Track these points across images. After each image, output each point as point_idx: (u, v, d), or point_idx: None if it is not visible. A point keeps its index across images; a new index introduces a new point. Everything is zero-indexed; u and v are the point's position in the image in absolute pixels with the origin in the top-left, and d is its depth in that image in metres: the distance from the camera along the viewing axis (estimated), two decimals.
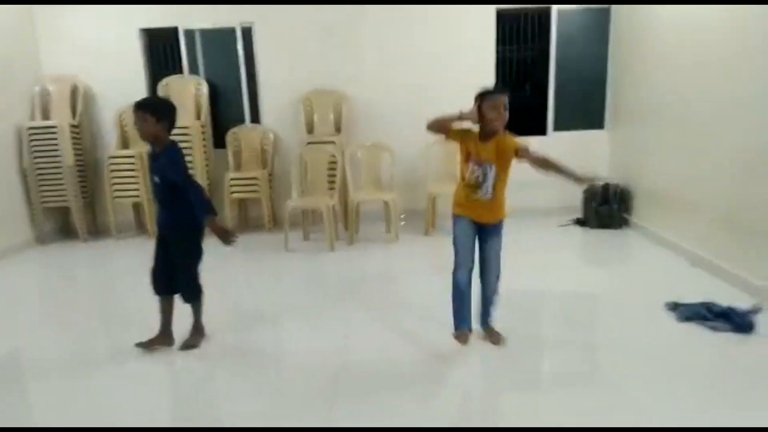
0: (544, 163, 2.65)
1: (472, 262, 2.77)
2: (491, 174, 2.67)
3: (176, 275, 2.92)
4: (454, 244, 2.78)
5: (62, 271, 4.87)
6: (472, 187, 2.71)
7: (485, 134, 2.68)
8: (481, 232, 2.79)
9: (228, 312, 3.59)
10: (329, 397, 2.40)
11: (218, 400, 2.50)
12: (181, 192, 2.78)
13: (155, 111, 2.78)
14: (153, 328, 3.00)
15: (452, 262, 2.76)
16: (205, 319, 3.12)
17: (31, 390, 2.72)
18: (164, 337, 2.99)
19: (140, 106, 2.77)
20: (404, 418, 2.23)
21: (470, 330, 2.80)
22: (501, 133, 2.67)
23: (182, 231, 2.88)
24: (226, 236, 2.83)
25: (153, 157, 2.86)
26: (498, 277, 2.86)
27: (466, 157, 2.72)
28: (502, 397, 2.44)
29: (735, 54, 3.54)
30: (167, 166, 2.80)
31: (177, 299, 2.98)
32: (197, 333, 3.04)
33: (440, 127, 2.74)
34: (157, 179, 2.80)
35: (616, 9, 5.54)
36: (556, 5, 5.63)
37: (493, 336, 2.90)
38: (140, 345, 2.95)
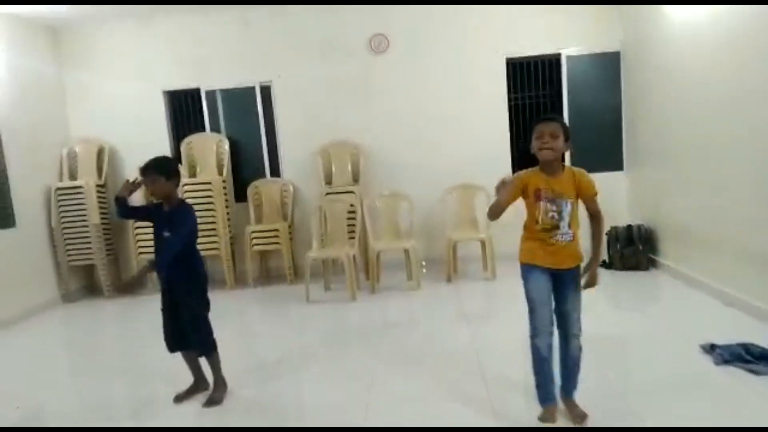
0: (601, 227, 2.47)
1: (552, 323, 2.40)
2: (568, 210, 2.35)
3: (187, 330, 2.91)
4: (530, 303, 2.41)
5: (87, 328, 4.90)
6: (548, 229, 2.36)
7: (546, 167, 2.40)
8: (558, 281, 2.43)
9: (250, 365, 3.54)
10: None
11: None
12: (188, 247, 2.86)
13: (163, 170, 2.83)
14: (178, 381, 2.98)
15: (528, 325, 2.41)
16: (228, 373, 3.08)
17: None
18: (199, 384, 3.02)
19: (148, 168, 2.82)
20: None
21: (554, 403, 2.46)
22: (569, 166, 2.46)
23: (193, 284, 2.91)
24: (133, 284, 3.00)
25: (163, 214, 2.88)
26: (580, 333, 2.45)
27: (536, 197, 2.37)
28: None
29: (747, 88, 3.53)
30: (176, 222, 2.84)
31: None
32: (219, 387, 3.00)
33: (499, 207, 2.39)
34: (167, 234, 2.82)
35: (625, 52, 5.63)
36: (566, 50, 5.74)
37: (574, 411, 2.48)
38: (178, 398, 2.96)
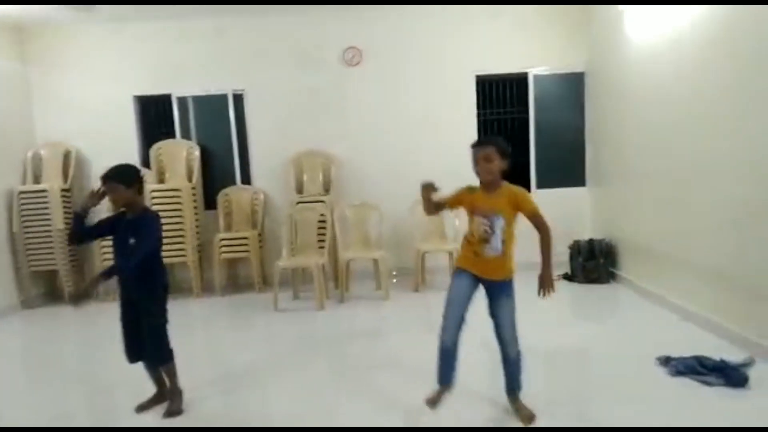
0: (547, 239, 2.62)
1: (462, 322, 2.63)
2: (499, 225, 2.55)
3: (146, 340, 2.87)
4: (447, 301, 2.65)
5: (47, 335, 4.77)
6: (480, 242, 2.58)
7: (485, 186, 2.61)
8: (489, 290, 2.66)
9: (216, 374, 3.52)
10: None
11: None
12: (150, 256, 2.83)
13: (123, 179, 2.80)
14: (139, 390, 2.97)
15: (441, 319, 2.63)
16: (194, 382, 3.08)
17: None
18: (162, 394, 2.98)
19: (108, 178, 2.79)
20: None
21: (449, 386, 2.69)
22: (506, 184, 2.62)
23: (154, 292, 2.88)
24: (84, 295, 2.88)
25: (126, 222, 2.84)
26: (515, 340, 2.67)
27: (472, 211, 2.62)
28: None
29: (710, 109, 3.69)
30: (140, 227, 2.83)
31: None
32: (176, 397, 2.97)
33: (432, 207, 2.74)
34: (132, 241, 2.79)
35: (589, 73, 5.84)
36: (533, 69, 5.92)
37: (521, 411, 2.66)
38: (141, 407, 2.94)
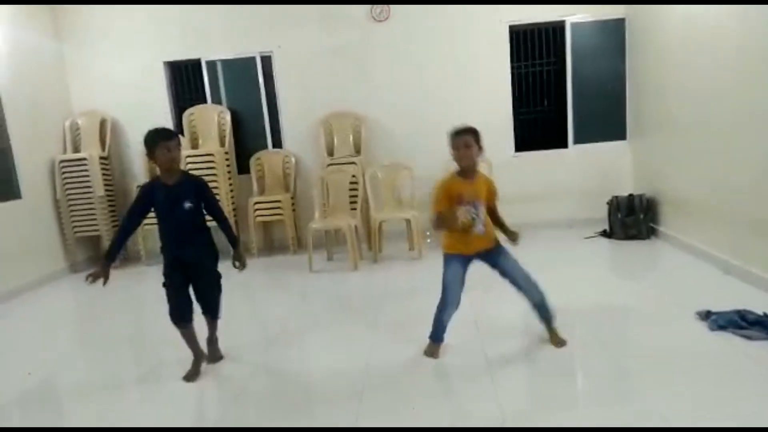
0: (494, 216, 2.96)
1: (459, 303, 2.90)
2: (481, 209, 2.81)
3: (210, 298, 3.02)
4: (444, 286, 2.89)
5: (95, 297, 4.99)
6: (467, 227, 2.78)
7: (464, 173, 2.83)
8: (487, 259, 2.89)
9: (254, 332, 3.63)
10: (354, 414, 2.40)
11: (247, 419, 2.51)
12: (202, 216, 2.94)
13: (177, 137, 2.88)
14: (184, 349, 3.07)
15: (440, 299, 2.90)
16: (233, 340, 3.23)
17: (67, 411, 2.79)
18: (201, 359, 3.04)
19: (174, 134, 2.85)
20: None
21: (442, 342, 2.97)
22: (484, 174, 2.91)
23: (212, 251, 3.01)
24: (243, 262, 3.06)
25: (169, 188, 2.83)
26: (529, 280, 2.89)
27: (458, 201, 2.77)
28: (532, 412, 2.40)
29: (752, 57, 3.49)
30: (204, 190, 2.94)
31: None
32: (216, 344, 3.16)
33: (442, 223, 2.80)
34: (189, 204, 2.83)
35: (630, 19, 5.54)
36: (571, 17, 5.65)
37: (554, 338, 2.95)
38: (188, 377, 2.95)
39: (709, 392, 2.37)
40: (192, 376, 2.95)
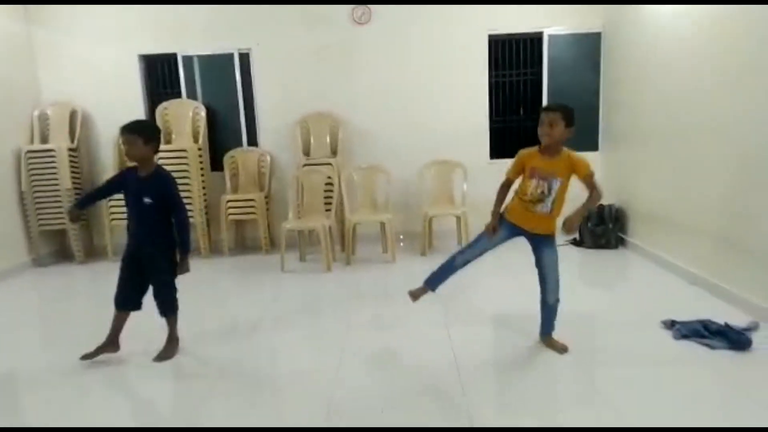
0: (595, 198, 2.84)
1: (480, 255, 2.95)
2: (555, 188, 2.76)
3: (157, 292, 3.04)
4: (479, 236, 2.95)
5: (58, 293, 4.85)
6: (534, 201, 2.80)
7: (545, 150, 2.81)
8: (534, 242, 2.92)
9: (224, 331, 3.56)
10: (324, 414, 2.37)
11: (215, 418, 2.46)
12: (164, 214, 2.96)
13: (142, 133, 2.88)
14: (148, 341, 3.08)
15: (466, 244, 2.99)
16: (202, 338, 3.18)
17: (27, 403, 2.69)
18: (112, 346, 3.10)
19: (128, 129, 2.87)
20: None
21: (434, 291, 3.10)
22: (568, 151, 2.81)
23: (166, 250, 3.02)
24: (186, 271, 3.08)
25: (140, 180, 2.93)
26: (558, 283, 2.92)
27: (530, 174, 2.81)
28: (498, 413, 2.42)
29: (723, 74, 3.60)
30: (166, 188, 2.96)
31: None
32: (172, 344, 3.13)
33: (497, 200, 2.97)
34: (148, 200, 2.90)
35: (606, 33, 5.66)
36: (548, 29, 5.75)
37: (556, 346, 2.97)
38: (86, 356, 3.04)
39: (670, 397, 2.43)
40: (90, 355, 3.04)
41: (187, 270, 3.07)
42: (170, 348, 3.11)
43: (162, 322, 3.13)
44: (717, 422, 2.22)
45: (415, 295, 3.09)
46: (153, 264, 2.98)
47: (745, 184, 3.41)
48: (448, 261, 3.03)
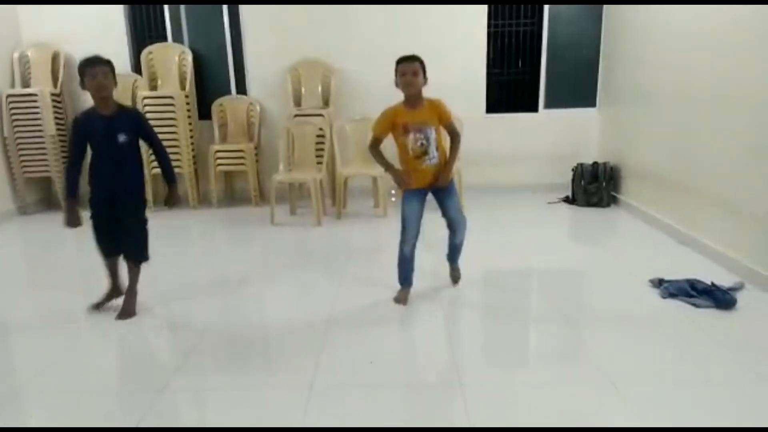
0: (453, 142, 2.94)
1: (418, 234, 2.97)
2: (432, 136, 2.83)
3: (130, 236, 2.93)
4: (403, 220, 2.96)
5: (44, 241, 4.80)
6: (419, 156, 2.84)
7: (409, 102, 2.85)
8: (437, 195, 2.98)
9: (212, 284, 3.54)
10: (312, 366, 2.38)
11: (203, 370, 2.47)
12: (136, 151, 2.88)
13: (111, 65, 2.78)
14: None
15: (400, 234, 2.99)
16: (190, 290, 3.19)
17: (14, 352, 2.68)
18: (116, 291, 3.07)
19: (104, 62, 2.75)
20: (385, 379, 2.23)
21: (410, 285, 3.08)
22: (427, 98, 2.87)
23: (141, 188, 2.96)
24: (177, 202, 3.04)
25: (105, 119, 2.78)
26: (463, 223, 3.06)
27: (404, 130, 2.82)
28: (484, 368, 2.44)
29: (728, 37, 3.49)
30: (140, 122, 2.89)
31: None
32: (134, 297, 3.01)
33: (377, 153, 2.99)
34: (124, 138, 2.79)
35: None
36: None
37: (455, 272, 3.25)
38: (95, 306, 3.03)
39: (655, 354, 2.46)
40: (98, 305, 3.02)
41: (178, 200, 3.03)
42: (133, 302, 2.99)
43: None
44: (701, 381, 2.25)
45: (399, 299, 3.03)
46: (130, 205, 2.90)
47: (739, 147, 3.37)
48: (399, 257, 3.04)
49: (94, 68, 2.70)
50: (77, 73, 2.76)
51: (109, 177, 2.85)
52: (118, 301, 3.03)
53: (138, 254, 2.97)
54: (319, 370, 2.38)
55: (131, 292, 3.01)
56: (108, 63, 2.77)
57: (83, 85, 2.75)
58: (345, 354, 2.55)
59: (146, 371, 2.51)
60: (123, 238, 2.93)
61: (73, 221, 2.84)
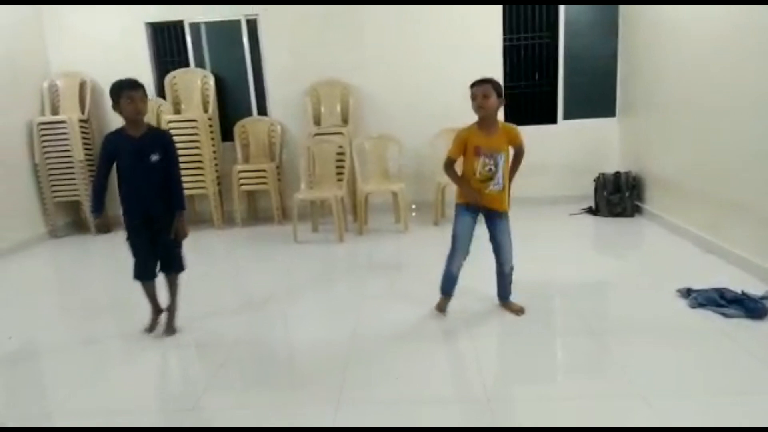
0: (516, 158, 2.96)
1: (467, 254, 2.98)
2: (501, 163, 2.83)
3: (169, 251, 3.00)
4: (454, 236, 2.96)
5: (74, 264, 4.92)
6: (485, 180, 2.84)
7: (483, 124, 2.85)
8: (489, 218, 2.97)
9: (238, 302, 3.60)
10: (338, 384, 2.40)
11: (232, 389, 2.50)
12: (164, 171, 2.90)
13: (145, 90, 2.86)
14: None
15: (449, 249, 2.98)
16: (217, 309, 3.24)
17: (45, 373, 2.75)
18: (159, 312, 3.12)
19: (140, 85, 2.82)
20: (408, 399, 2.23)
21: (451, 296, 3.08)
22: (502, 122, 2.89)
23: (171, 207, 2.97)
24: (184, 233, 2.99)
25: (135, 139, 2.83)
26: (511, 253, 3.02)
27: (475, 153, 2.82)
28: (511, 383, 2.43)
29: (745, 43, 3.46)
30: (170, 143, 2.94)
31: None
32: (176, 312, 3.11)
33: (453, 174, 2.96)
34: (156, 157, 2.84)
35: None
36: None
37: (513, 308, 3.08)
38: (148, 330, 3.08)
39: (685, 365, 2.42)
40: (151, 328, 3.08)
41: (185, 232, 2.98)
42: (175, 318, 3.10)
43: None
44: (733, 392, 2.21)
45: (440, 307, 3.07)
46: (165, 222, 2.94)
47: (763, 153, 3.31)
48: (445, 273, 3.04)
49: (132, 92, 2.75)
50: (109, 95, 2.81)
51: (144, 198, 2.89)
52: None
53: (178, 265, 3.06)
54: (345, 386, 2.39)
55: (174, 309, 3.11)
56: (143, 87, 2.85)
57: (117, 108, 2.79)
58: (370, 370, 2.56)
59: (175, 390, 2.56)
60: (162, 254, 3.00)
61: (102, 228, 2.94)
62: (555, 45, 5.73)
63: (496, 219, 2.94)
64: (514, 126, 2.93)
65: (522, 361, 2.62)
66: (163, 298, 3.13)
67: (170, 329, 3.06)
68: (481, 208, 2.93)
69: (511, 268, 3.04)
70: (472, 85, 2.81)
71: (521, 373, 2.51)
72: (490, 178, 2.84)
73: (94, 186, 2.95)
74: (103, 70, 5.80)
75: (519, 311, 3.06)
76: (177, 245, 3.02)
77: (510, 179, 2.96)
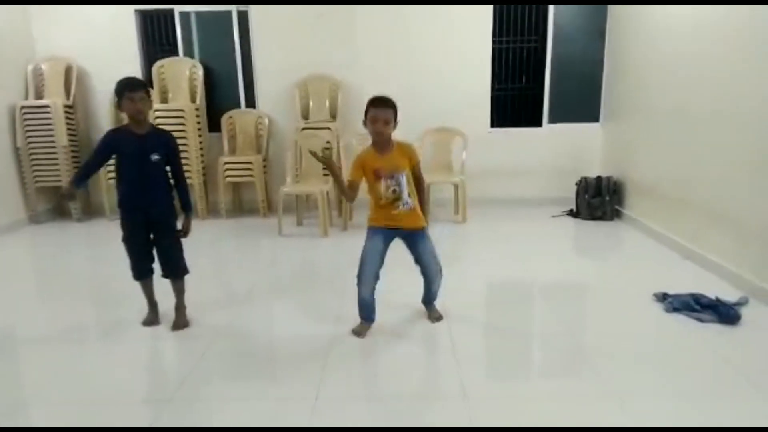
0: (423, 188, 2.87)
1: (377, 278, 2.83)
2: (404, 181, 2.71)
3: (170, 257, 2.97)
4: (362, 257, 2.80)
5: (55, 250, 4.87)
6: (392, 202, 2.72)
7: (379, 147, 2.74)
8: (408, 240, 2.85)
9: (221, 295, 3.60)
10: (317, 379, 2.42)
11: (210, 380, 2.51)
12: (166, 171, 2.91)
13: (148, 90, 2.85)
14: (143, 305, 3.07)
15: (357, 271, 2.83)
16: (199, 302, 3.18)
17: (23, 361, 2.73)
18: (155, 307, 3.11)
19: (143, 85, 2.81)
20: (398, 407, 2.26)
21: (371, 322, 2.92)
22: (396, 141, 2.77)
23: (173, 207, 2.97)
24: (188, 232, 3.02)
25: (137, 138, 2.81)
26: (440, 272, 2.94)
27: (375, 176, 2.71)
28: (487, 382, 2.47)
29: (732, 51, 3.54)
30: (172, 143, 2.93)
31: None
32: (185, 310, 3.09)
33: (348, 191, 2.75)
34: (156, 157, 2.83)
35: (612, 4, 5.53)
36: None
37: (434, 313, 3.04)
38: (146, 322, 3.06)
39: (659, 368, 2.48)
40: (150, 322, 3.05)
41: (189, 231, 3.02)
42: (184, 314, 3.07)
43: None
44: (703, 395, 2.27)
45: (358, 332, 2.87)
46: (166, 225, 2.93)
47: (742, 163, 3.40)
48: (358, 299, 2.87)
49: (132, 93, 2.73)
50: (114, 93, 2.81)
51: (142, 197, 2.86)
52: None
53: (180, 271, 3.03)
54: (324, 381, 2.42)
55: (182, 307, 3.08)
56: (146, 86, 2.83)
57: (120, 107, 2.80)
58: (350, 365, 2.59)
59: (153, 382, 2.56)
60: (162, 260, 2.98)
61: (68, 196, 2.87)
62: (543, 49, 5.79)
63: (416, 239, 2.82)
64: (410, 144, 2.85)
65: (500, 360, 2.66)
66: (161, 297, 3.11)
67: (177, 325, 3.02)
68: (394, 230, 2.80)
69: (438, 286, 2.97)
70: (373, 104, 2.69)
71: (498, 372, 2.56)
72: (397, 198, 2.71)
73: (86, 170, 2.87)
74: (90, 56, 5.74)
75: (436, 318, 3.01)
76: (178, 250, 2.99)
77: (423, 208, 2.84)
